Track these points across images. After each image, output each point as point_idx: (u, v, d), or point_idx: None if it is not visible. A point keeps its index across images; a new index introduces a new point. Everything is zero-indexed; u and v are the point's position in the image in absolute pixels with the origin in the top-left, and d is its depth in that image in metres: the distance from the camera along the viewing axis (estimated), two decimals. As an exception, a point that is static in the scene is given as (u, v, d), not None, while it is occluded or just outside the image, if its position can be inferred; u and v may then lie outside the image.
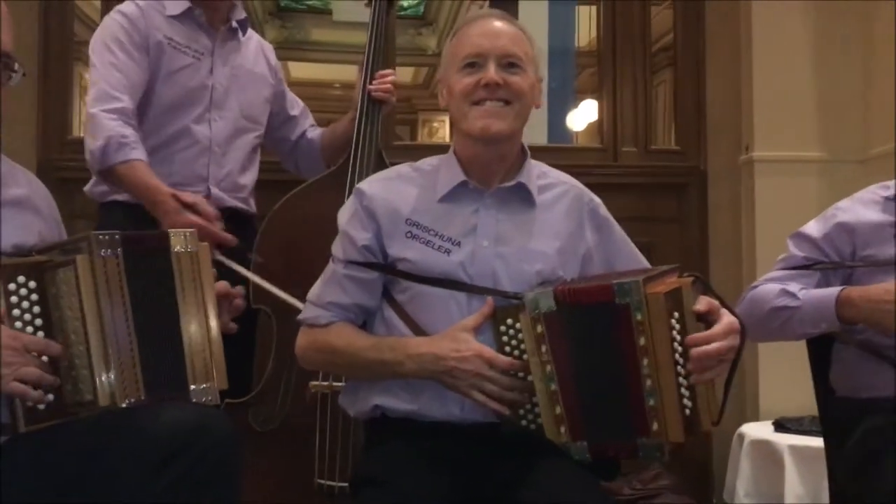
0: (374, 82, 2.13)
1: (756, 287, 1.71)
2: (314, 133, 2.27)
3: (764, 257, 2.80)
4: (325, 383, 1.85)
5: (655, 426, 1.25)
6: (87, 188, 1.92)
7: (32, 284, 1.13)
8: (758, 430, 2.66)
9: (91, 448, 1.07)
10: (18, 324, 1.11)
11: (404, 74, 6.07)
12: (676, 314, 1.26)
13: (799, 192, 2.86)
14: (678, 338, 1.26)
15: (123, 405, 1.13)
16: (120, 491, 1.04)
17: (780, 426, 2.61)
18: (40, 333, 1.12)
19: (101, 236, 1.15)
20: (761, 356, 2.84)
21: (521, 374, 1.33)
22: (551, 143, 3.65)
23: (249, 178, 2.09)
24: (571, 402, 1.29)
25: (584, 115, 4.54)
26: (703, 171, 3.12)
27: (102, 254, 1.14)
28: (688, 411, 1.27)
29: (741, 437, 2.67)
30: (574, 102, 4.04)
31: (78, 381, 1.13)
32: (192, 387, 1.19)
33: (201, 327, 1.20)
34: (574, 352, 1.29)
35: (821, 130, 2.95)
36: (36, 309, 1.13)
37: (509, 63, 1.42)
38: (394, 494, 1.25)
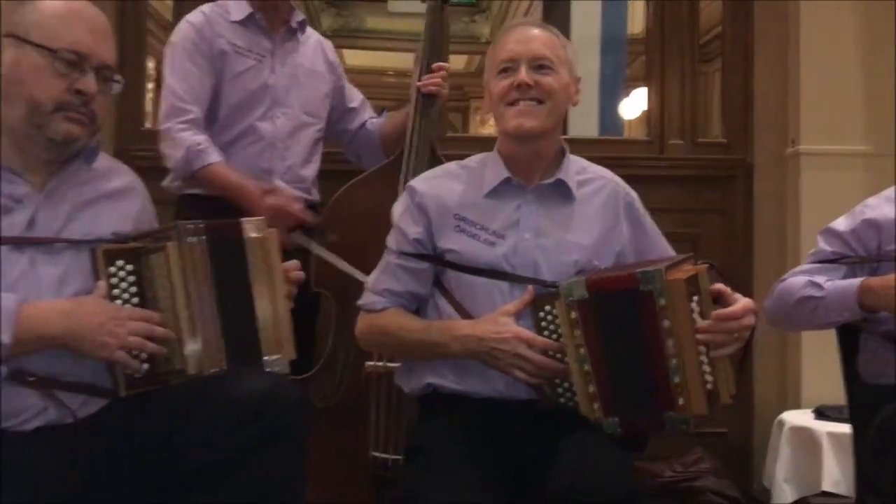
0: (424, 77, 2.26)
1: (785, 280, 1.82)
2: (373, 124, 2.41)
3: (808, 250, 2.84)
4: (380, 364, 2.01)
5: (681, 401, 1.38)
6: (164, 183, 2.11)
7: (130, 267, 1.31)
8: (798, 417, 2.75)
9: (181, 411, 1.24)
10: (118, 301, 1.29)
11: (457, 62, 6.19)
12: (696, 298, 1.39)
13: (844, 185, 2.90)
14: (698, 319, 1.38)
15: (208, 374, 1.31)
16: (205, 448, 1.21)
17: (821, 414, 2.68)
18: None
19: (187, 225, 1.33)
20: (804, 346, 2.91)
21: (557, 355, 1.47)
22: (602, 131, 3.73)
23: (311, 170, 2.26)
24: (603, 381, 1.42)
25: (635, 104, 4.59)
26: (749, 164, 3.19)
27: (188, 240, 1.32)
28: (709, 386, 1.40)
29: (781, 423, 2.75)
30: (626, 91, 4.07)
31: (170, 352, 1.31)
32: (266, 357, 1.36)
33: (272, 304, 1.36)
34: (605, 335, 1.42)
35: (867, 124, 2.99)
36: (133, 289, 1.30)
37: (540, 65, 1.55)
38: (444, 461, 1.40)
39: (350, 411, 1.99)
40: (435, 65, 2.26)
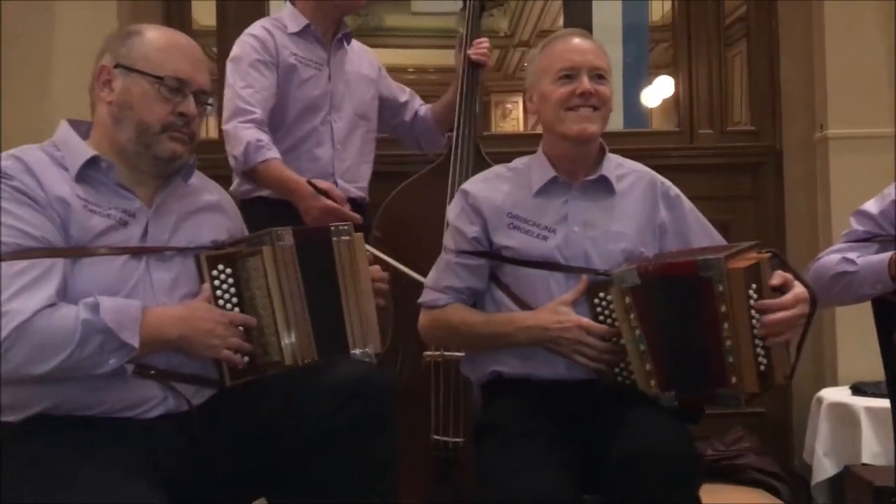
0: (471, 48, 2.48)
1: (820, 258, 1.97)
2: (425, 110, 2.61)
3: (839, 232, 2.94)
4: (437, 353, 2.18)
5: (734, 379, 1.53)
6: (231, 189, 2.28)
7: (229, 271, 1.48)
8: (836, 394, 2.89)
9: (284, 396, 1.42)
10: (220, 301, 1.47)
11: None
12: (754, 286, 1.53)
13: (873, 168, 3.01)
14: (754, 306, 1.53)
15: (301, 364, 1.49)
16: (307, 428, 1.39)
17: (858, 390, 2.82)
18: (236, 309, 1.47)
19: (278, 231, 1.51)
20: (839, 324, 3.04)
21: (614, 339, 1.64)
22: (626, 120, 3.87)
23: (366, 169, 2.45)
24: (659, 359, 1.58)
25: (658, 92, 4.69)
26: (778, 150, 3.32)
27: (280, 245, 1.50)
28: (762, 367, 1.54)
29: (819, 400, 2.90)
30: (648, 79, 4.20)
31: (267, 345, 1.49)
32: (353, 350, 1.54)
33: (357, 300, 1.54)
34: (659, 318, 1.57)
35: (894, 106, 3.12)
36: (232, 290, 1.48)
37: (598, 75, 1.72)
38: (512, 437, 1.58)
39: (410, 398, 2.15)
40: (476, 40, 2.49)
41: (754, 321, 1.53)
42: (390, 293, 1.69)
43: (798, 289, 1.57)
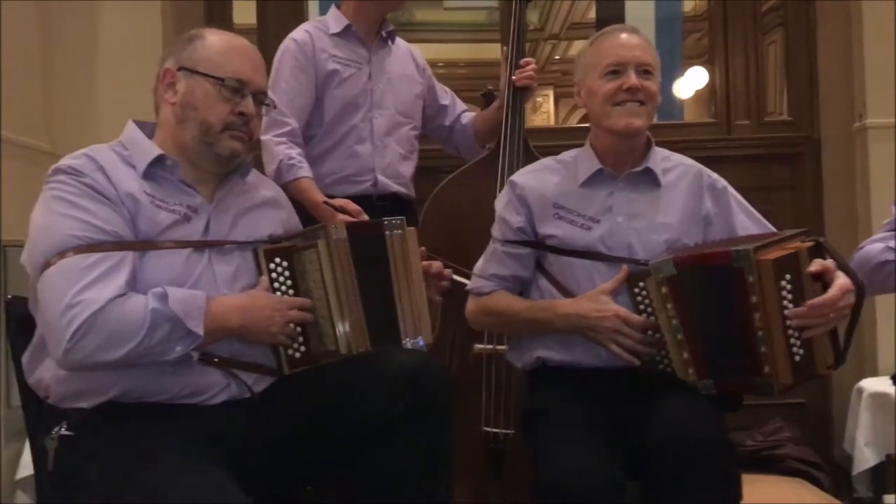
0: (517, 72, 2.50)
1: (862, 247, 2.00)
2: (467, 118, 2.66)
3: (878, 223, 2.97)
4: (490, 346, 2.24)
5: (767, 369, 1.56)
6: None
7: (285, 264, 1.55)
8: (876, 384, 2.91)
9: (344, 383, 1.49)
10: (277, 293, 1.54)
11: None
12: (788, 276, 1.54)
13: None
14: (789, 296, 1.54)
15: (355, 353, 1.55)
16: (365, 416, 1.45)
17: (898, 380, 2.85)
18: None
19: (333, 225, 1.58)
20: (878, 313, 3.06)
21: (651, 332, 1.67)
22: (660, 111, 3.89)
23: (409, 166, 2.51)
24: (695, 348, 1.62)
25: (691, 83, 4.69)
26: (816, 140, 3.34)
27: (335, 238, 1.56)
28: (797, 358, 1.55)
29: (860, 391, 2.92)
30: (681, 70, 4.17)
31: (322, 335, 1.55)
32: (404, 341, 1.60)
33: (409, 293, 1.60)
34: (695, 307, 1.61)
35: (935, 95, 3.13)
36: (288, 282, 1.55)
37: (645, 70, 1.77)
38: (558, 420, 1.64)
39: (459, 390, 2.20)
40: (523, 60, 2.50)
41: (788, 312, 1.54)
42: (447, 290, 1.75)
43: (841, 279, 1.57)
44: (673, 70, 4.04)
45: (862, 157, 3.18)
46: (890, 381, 2.88)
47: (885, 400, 2.81)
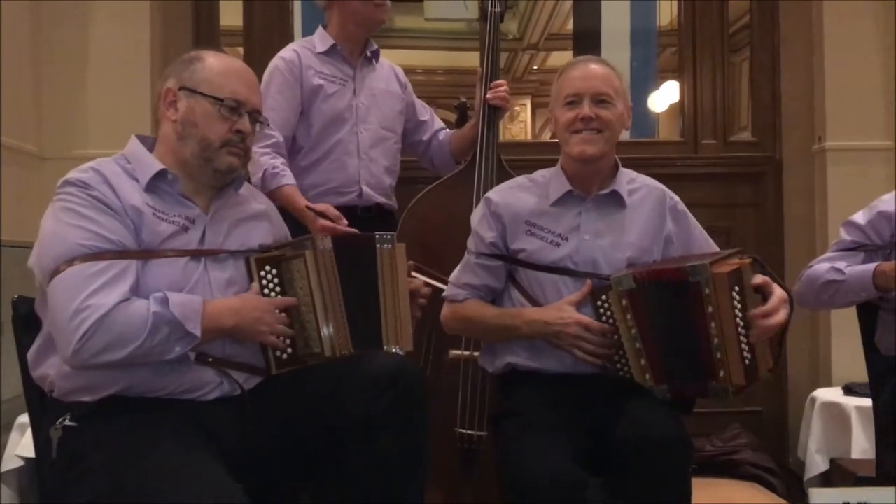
0: (489, 92, 2.65)
1: (811, 266, 2.18)
2: (444, 135, 2.82)
3: (835, 240, 3.21)
4: (465, 352, 2.39)
5: (722, 373, 1.73)
6: None
7: (274, 272, 1.69)
8: (829, 394, 3.10)
9: (329, 384, 1.63)
10: (267, 299, 1.68)
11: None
12: (737, 288, 1.73)
13: (869, 179, 3.23)
14: (738, 306, 1.73)
15: (338, 356, 1.69)
16: (349, 412, 1.59)
17: (849, 390, 3.03)
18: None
19: (319, 238, 1.72)
20: (833, 328, 3.26)
21: (614, 337, 1.83)
22: (634, 124, 4.00)
23: (392, 178, 2.67)
24: (653, 355, 1.79)
25: (666, 97, 4.84)
26: (778, 161, 3.54)
27: (320, 248, 1.70)
28: (747, 362, 1.74)
29: (813, 400, 3.11)
30: (656, 83, 4.23)
31: (308, 339, 1.69)
32: (385, 346, 1.74)
33: (395, 303, 1.74)
34: (653, 318, 1.77)
35: (890, 120, 3.32)
36: (277, 289, 1.68)
37: (601, 100, 1.92)
38: (526, 422, 1.79)
39: (436, 393, 2.34)
40: (494, 83, 2.66)
41: (738, 320, 1.73)
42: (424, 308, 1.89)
43: (778, 292, 1.77)
44: (647, 84, 4.13)
45: (821, 178, 3.39)
46: (842, 392, 3.08)
47: (836, 409, 3.00)
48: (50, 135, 3.27)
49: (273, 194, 2.41)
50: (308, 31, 3.68)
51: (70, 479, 1.51)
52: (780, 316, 1.74)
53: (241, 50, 3.81)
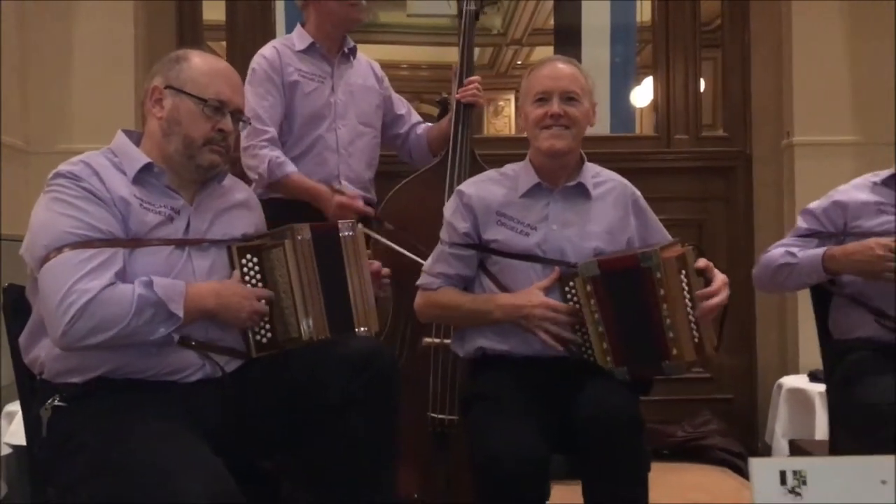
0: (460, 90, 2.76)
1: (768, 251, 2.31)
2: (422, 129, 2.93)
3: (802, 231, 3.35)
4: (438, 340, 2.49)
5: (675, 351, 1.86)
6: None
7: (255, 260, 1.79)
8: (794, 381, 3.24)
9: (307, 364, 1.73)
10: (248, 285, 1.78)
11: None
12: (684, 272, 1.87)
13: (836, 172, 3.29)
14: (686, 288, 1.87)
15: (315, 340, 1.80)
16: (327, 392, 1.69)
17: (814, 377, 3.16)
18: None
19: (298, 227, 1.82)
20: (801, 319, 3.39)
21: (578, 323, 1.95)
22: (613, 119, 4.02)
23: (371, 172, 2.78)
24: (614, 339, 1.90)
25: (646, 93, 4.95)
26: (748, 155, 3.67)
27: (299, 238, 1.81)
28: (696, 340, 1.88)
29: (780, 386, 3.25)
30: (637, 79, 4.38)
31: (287, 324, 1.79)
32: (357, 329, 1.85)
33: (361, 287, 1.85)
34: (614, 303, 1.89)
35: (855, 116, 3.47)
36: (258, 276, 1.79)
37: (569, 98, 2.04)
38: (493, 402, 1.90)
39: (410, 379, 2.45)
40: (467, 80, 2.76)
41: (687, 300, 1.86)
42: (391, 284, 2.01)
43: (720, 275, 1.92)
44: (628, 79, 4.20)
45: (789, 172, 3.52)
46: (807, 378, 3.21)
47: (801, 395, 3.13)
48: (36, 130, 3.36)
49: (281, 183, 2.53)
50: (290, 26, 3.77)
51: (60, 456, 1.61)
52: (723, 296, 1.88)
53: (223, 44, 3.91)
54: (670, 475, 3.19)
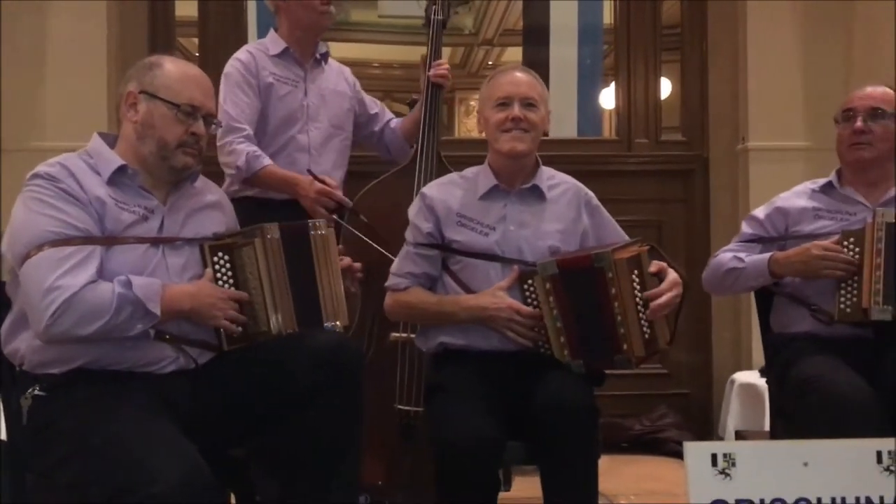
0: (431, 70, 2.90)
1: (716, 255, 2.45)
2: (395, 123, 3.05)
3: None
4: (404, 335, 2.61)
5: (625, 346, 2.00)
6: (223, 188, 2.70)
7: (227, 258, 1.89)
8: (746, 376, 3.41)
9: (275, 356, 1.85)
10: (220, 282, 1.88)
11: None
12: (636, 272, 2.01)
13: (788, 176, 3.48)
14: (638, 288, 2.01)
15: (284, 334, 1.91)
16: (297, 383, 1.81)
17: (765, 373, 3.33)
18: (232, 288, 1.89)
19: (268, 226, 1.92)
20: (754, 318, 3.53)
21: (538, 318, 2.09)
22: (580, 121, 4.12)
23: (340, 173, 2.89)
24: (570, 333, 2.04)
25: (613, 95, 5.08)
26: (705, 159, 3.84)
27: (269, 237, 1.92)
28: (647, 336, 2.01)
29: (733, 382, 3.42)
30: (605, 80, 4.43)
31: (257, 318, 1.90)
32: (326, 323, 1.97)
33: (330, 283, 1.96)
34: (570, 300, 2.03)
35: (807, 122, 3.64)
36: (229, 273, 1.89)
37: (528, 103, 2.17)
38: (453, 392, 2.03)
39: (378, 373, 2.57)
40: (436, 62, 2.92)
41: (638, 299, 2.00)
42: (361, 281, 2.13)
43: (672, 275, 2.05)
44: (595, 80, 4.28)
45: (744, 175, 3.69)
46: (759, 374, 3.38)
47: (752, 390, 3.30)
48: (9, 127, 3.43)
49: (259, 175, 2.64)
50: (262, 23, 3.87)
51: (40, 442, 1.71)
52: (670, 295, 2.02)
53: (195, 41, 3.99)
54: (627, 467, 3.35)
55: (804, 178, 3.54)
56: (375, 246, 2.53)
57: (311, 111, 2.81)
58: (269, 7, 2.91)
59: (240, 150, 2.64)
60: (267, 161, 2.66)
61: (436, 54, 2.96)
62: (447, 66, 2.93)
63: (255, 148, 2.66)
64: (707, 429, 3.71)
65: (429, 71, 2.91)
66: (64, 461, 1.66)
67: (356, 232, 2.57)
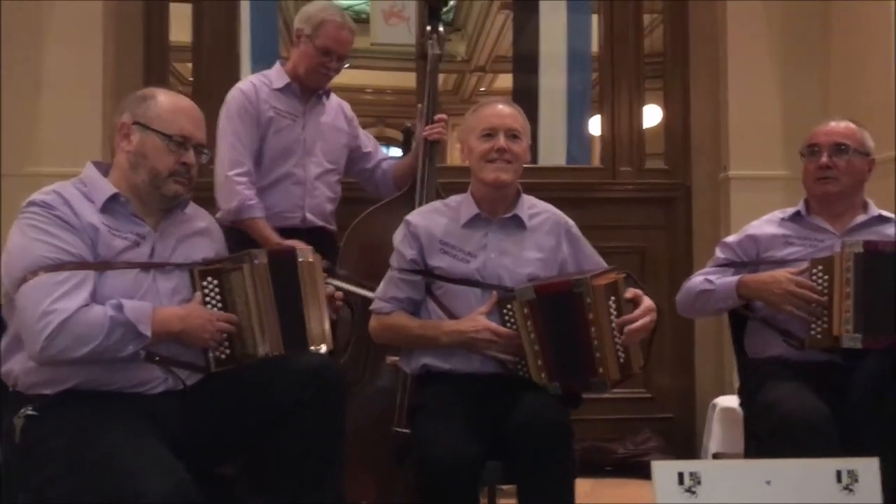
0: (427, 127, 3.00)
1: (690, 279, 2.55)
2: (387, 164, 3.16)
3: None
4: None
5: (601, 369, 2.09)
6: (217, 216, 2.76)
7: (215, 282, 1.98)
8: (727, 400, 3.47)
9: (261, 376, 1.92)
10: (208, 306, 1.97)
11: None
12: (613, 298, 2.10)
13: (768, 204, 3.54)
14: (614, 313, 2.10)
15: (270, 356, 1.99)
16: (282, 402, 1.87)
17: (745, 397, 3.41)
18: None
19: (255, 252, 2.01)
20: (736, 344, 3.64)
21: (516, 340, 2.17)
22: (569, 147, 4.21)
23: (332, 205, 3.00)
24: (548, 357, 2.12)
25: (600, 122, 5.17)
26: (688, 187, 3.94)
27: (257, 262, 2.00)
28: (621, 359, 2.10)
29: (714, 406, 3.48)
30: (594, 107, 4.41)
31: (244, 341, 1.98)
32: (311, 347, 2.04)
33: (316, 309, 2.05)
34: (548, 325, 2.12)
35: (787, 152, 3.72)
36: (218, 297, 1.98)
37: (513, 135, 2.27)
38: (434, 411, 2.11)
39: (373, 395, 2.64)
40: (436, 116, 3.01)
41: (614, 325, 2.09)
42: (352, 312, 2.20)
43: (647, 301, 2.15)
44: (584, 107, 4.34)
45: (725, 203, 3.79)
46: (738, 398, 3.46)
47: (733, 414, 3.35)
48: (5, 153, 3.51)
49: (244, 224, 2.74)
50: (255, 50, 3.98)
51: (32, 460, 1.78)
52: (645, 321, 2.11)
53: (189, 66, 4.09)
54: (611, 489, 3.41)
55: (784, 205, 3.63)
56: (361, 292, 2.61)
57: (308, 145, 2.91)
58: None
59: (237, 192, 2.74)
60: (255, 214, 2.75)
61: (433, 101, 3.01)
62: (444, 122, 2.99)
63: (250, 194, 2.75)
64: (690, 452, 3.78)
65: (423, 130, 2.98)
66: (55, 479, 1.73)
67: (344, 286, 2.62)
